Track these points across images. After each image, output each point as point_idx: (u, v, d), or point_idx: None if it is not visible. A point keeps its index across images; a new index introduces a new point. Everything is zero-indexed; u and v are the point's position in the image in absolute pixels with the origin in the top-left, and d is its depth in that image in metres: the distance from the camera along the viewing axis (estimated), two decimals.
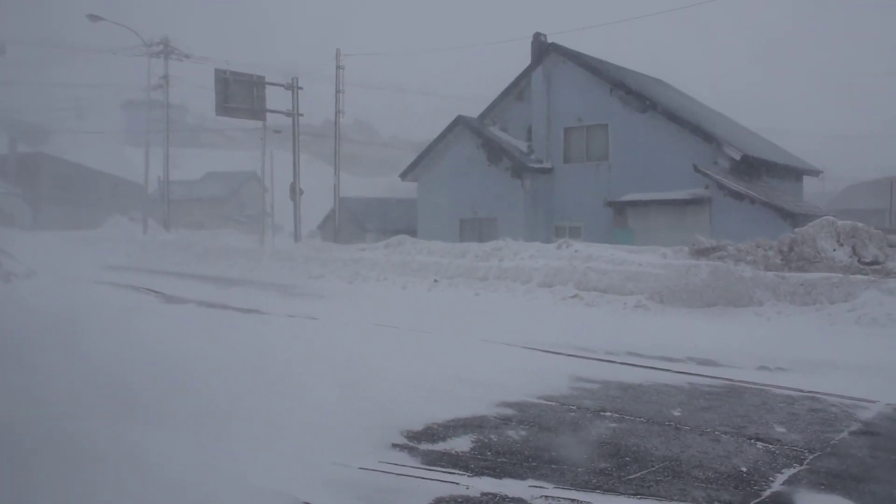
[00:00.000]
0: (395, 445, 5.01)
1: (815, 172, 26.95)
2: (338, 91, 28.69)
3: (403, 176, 27.54)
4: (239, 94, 26.03)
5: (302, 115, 28.35)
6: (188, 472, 4.26)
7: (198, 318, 11.62)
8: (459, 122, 25.27)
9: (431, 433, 5.31)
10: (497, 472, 4.49)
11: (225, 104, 25.88)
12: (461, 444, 5.08)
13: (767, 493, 4.18)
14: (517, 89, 25.21)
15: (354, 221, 31.74)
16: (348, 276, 18.07)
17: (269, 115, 28.78)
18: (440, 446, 5.03)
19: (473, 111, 26.31)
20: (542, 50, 24.44)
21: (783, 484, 4.32)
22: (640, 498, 4.09)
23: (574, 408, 6.10)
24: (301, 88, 28.21)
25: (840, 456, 4.87)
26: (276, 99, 28.23)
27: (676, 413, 5.95)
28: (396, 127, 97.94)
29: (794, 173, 25.22)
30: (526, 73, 24.79)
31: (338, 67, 28.62)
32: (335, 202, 29.54)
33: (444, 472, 4.51)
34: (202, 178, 67.75)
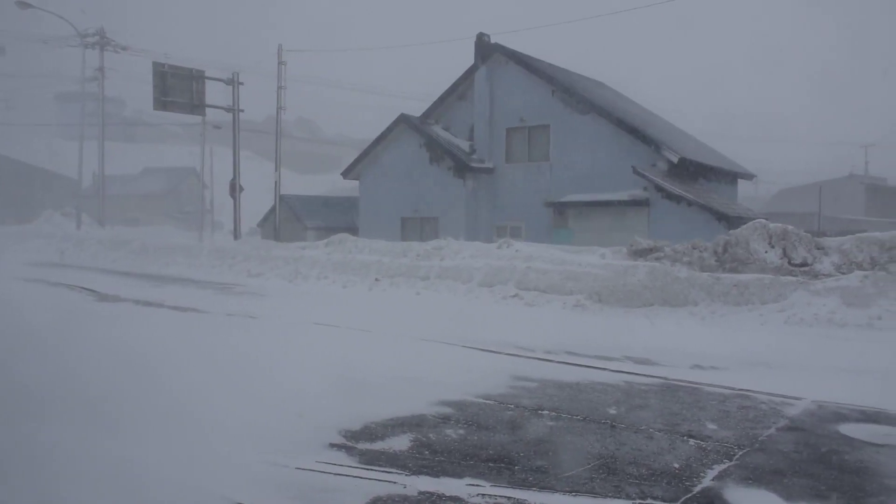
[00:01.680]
0: (332, 445, 4.98)
1: (749, 176, 27.66)
2: (280, 87, 28.35)
3: (345, 174, 27.40)
4: (178, 88, 25.52)
5: (243, 110, 27.94)
6: (119, 473, 4.17)
7: (133, 316, 11.38)
8: (402, 120, 25.23)
9: (370, 432, 5.30)
10: (435, 471, 4.50)
11: (163, 98, 25.35)
12: (399, 442, 5.07)
13: (698, 488, 4.27)
14: (460, 89, 25.29)
15: (295, 219, 31.38)
16: (289, 275, 17.90)
17: (209, 110, 28.28)
18: (378, 445, 5.01)
19: (417, 110, 26.34)
20: (486, 50, 24.56)
21: (713, 479, 4.42)
22: (575, 495, 4.14)
23: (512, 406, 6.14)
24: (242, 84, 27.78)
25: (767, 451, 5.01)
26: (216, 94, 27.82)
27: (612, 411, 6.04)
28: (339, 125, 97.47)
29: (729, 177, 25.84)
30: (469, 73, 24.88)
31: (280, 63, 28.28)
32: (276, 199, 29.19)
33: (382, 471, 4.49)
34: (139, 174, 66.34)
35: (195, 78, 26.23)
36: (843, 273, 12.47)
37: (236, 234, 27.99)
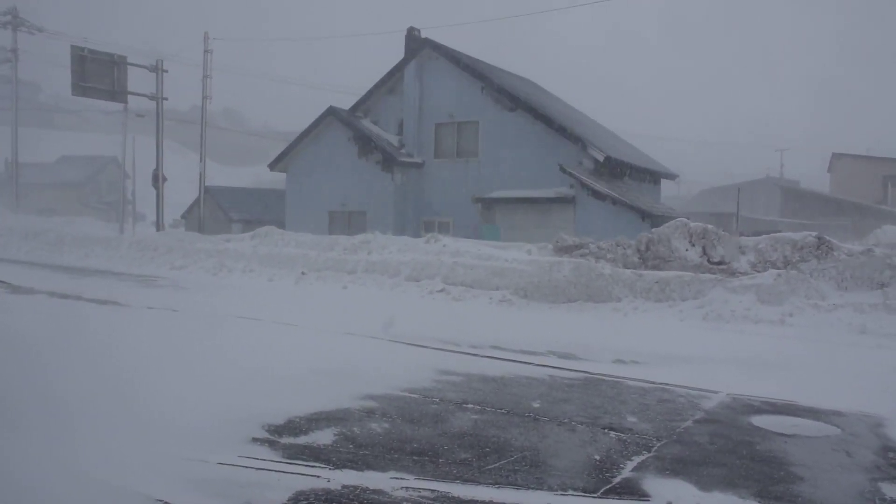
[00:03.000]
0: (255, 440, 4.90)
1: (672, 176, 28.36)
2: (205, 76, 27.79)
3: (272, 166, 26.99)
4: (97, 73, 24.73)
5: (166, 99, 27.27)
6: (36, 472, 4.02)
7: (48, 309, 10.99)
8: (330, 113, 25.00)
9: (293, 426, 5.23)
10: (359, 465, 4.47)
11: (82, 83, 24.53)
12: (323, 437, 5.03)
13: (618, 479, 4.36)
14: (390, 83, 25.19)
15: (220, 211, 30.80)
16: (213, 268, 17.57)
17: (131, 97, 27.54)
18: (302, 440, 4.96)
19: (346, 103, 26.15)
20: (416, 45, 24.53)
21: (632, 470, 4.52)
22: (498, 487, 4.17)
23: (437, 400, 6.16)
24: (166, 71, 27.14)
25: (684, 443, 5.15)
26: (138, 81, 27.05)
27: (536, 405, 6.11)
28: (267, 115, 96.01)
29: (653, 176, 26.45)
30: (399, 68, 24.80)
31: (205, 51, 27.72)
32: (200, 191, 28.61)
33: (306, 465, 4.45)
34: (56, 162, 63.93)
35: (116, 63, 25.47)
36: (759, 271, 12.90)
37: (159, 225, 27.34)
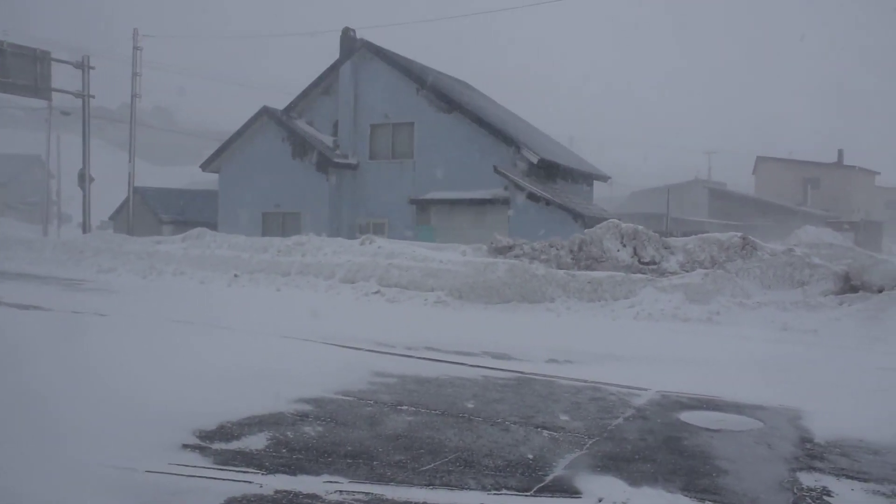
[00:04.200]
0: (185, 446, 4.81)
1: (604, 178, 28.86)
2: (135, 73, 27.17)
3: (205, 166, 26.54)
4: (19, 68, 23.91)
5: (93, 96, 26.57)
6: None
7: None
8: (264, 113, 24.72)
9: (225, 432, 5.16)
10: (292, 469, 4.44)
11: (2, 79, 23.68)
12: (256, 441, 4.97)
13: (550, 477, 4.42)
14: (325, 83, 25.03)
15: (151, 213, 30.12)
16: (142, 270, 17.18)
17: (56, 94, 26.70)
18: (234, 445, 4.89)
19: (281, 103, 25.87)
20: (351, 45, 24.43)
21: (565, 468, 4.59)
22: (432, 488, 4.19)
23: (371, 402, 6.15)
24: (93, 68, 26.43)
25: (615, 440, 5.25)
26: (64, 77, 26.30)
27: (470, 405, 6.15)
28: (199, 115, 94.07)
29: (586, 178, 26.88)
30: (334, 68, 24.67)
31: (135, 48, 27.10)
32: (129, 191, 27.96)
33: (238, 471, 4.39)
34: None
35: (39, 59, 24.67)
36: (687, 271, 13.24)
37: (86, 227, 26.63)
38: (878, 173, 53.74)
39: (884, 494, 4.29)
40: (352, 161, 23.94)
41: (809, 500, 4.14)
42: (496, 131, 21.93)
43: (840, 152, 51.05)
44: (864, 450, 5.16)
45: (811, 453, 5.05)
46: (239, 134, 25.26)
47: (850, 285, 12.41)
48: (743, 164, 58.00)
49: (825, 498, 4.19)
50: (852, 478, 4.55)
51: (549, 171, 22.79)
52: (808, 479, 4.49)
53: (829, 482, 4.45)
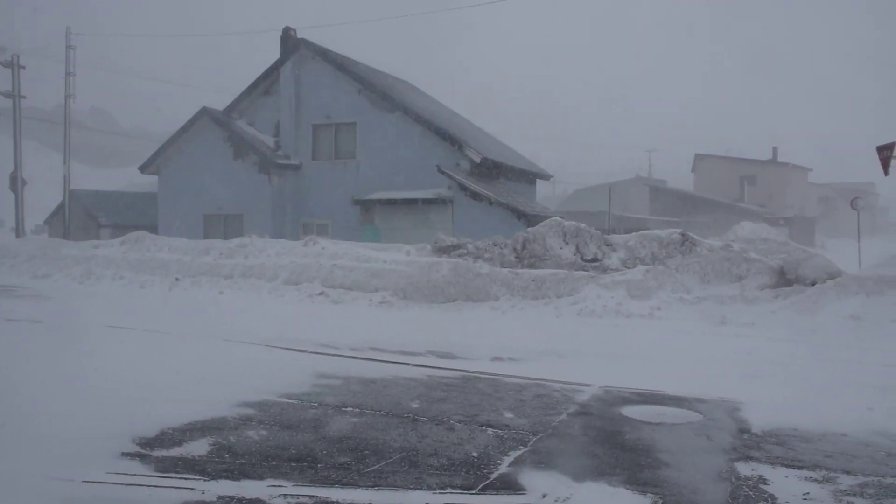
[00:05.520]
0: (125, 454, 4.71)
1: (546, 176, 29.12)
2: (68, 73, 26.46)
3: (143, 168, 25.94)
4: None
5: (24, 97, 25.81)
6: None
7: None
8: (204, 114, 24.30)
9: (166, 438, 5.06)
10: (235, 474, 4.38)
11: None
12: (198, 447, 4.89)
13: (495, 474, 4.44)
14: (265, 83, 24.73)
15: (88, 216, 29.34)
16: (80, 276, 16.74)
17: None
18: (175, 451, 4.80)
19: (221, 103, 25.48)
20: (292, 45, 24.18)
21: (509, 465, 4.62)
22: (377, 489, 4.18)
23: (316, 405, 6.10)
24: (23, 67, 25.68)
25: (559, 436, 5.31)
26: None
27: (415, 405, 6.15)
28: (138, 116, 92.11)
29: (528, 176, 27.07)
30: (274, 68, 24.39)
31: (68, 47, 26.38)
32: (65, 195, 27.19)
33: (179, 478, 4.31)
34: None
35: None
36: (629, 268, 13.44)
37: (19, 231, 25.84)
38: (811, 170, 55.38)
39: (815, 480, 4.42)
40: (294, 162, 23.71)
41: (746, 489, 4.23)
42: (439, 131, 21.95)
43: (775, 150, 52.46)
44: (798, 438, 5.31)
45: (748, 443, 5.17)
46: (179, 135, 24.80)
47: (784, 279, 12.76)
48: (682, 161, 59.15)
49: (761, 486, 4.29)
50: (787, 465, 4.68)
51: (492, 170, 22.90)
52: (745, 469, 4.60)
53: (765, 471, 4.57)
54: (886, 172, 13.31)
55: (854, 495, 4.18)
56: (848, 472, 4.57)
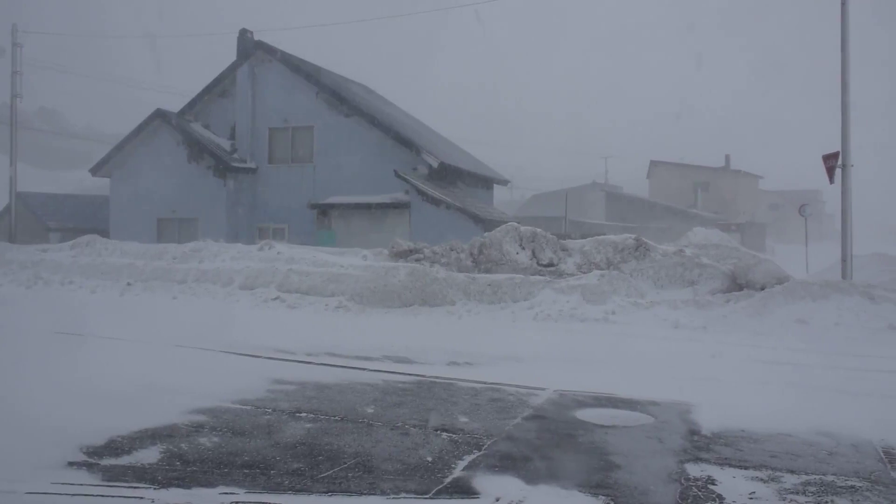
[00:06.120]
0: (71, 464, 4.62)
1: (504, 181, 29.29)
2: (14, 72, 25.90)
3: (95, 171, 25.48)
4: None
5: None
6: None
7: None
8: (158, 116, 23.96)
9: (115, 447, 4.98)
10: (186, 482, 4.33)
11: None
12: (148, 455, 4.82)
13: (449, 479, 4.46)
14: (221, 86, 24.49)
15: (35, 220, 28.71)
16: (27, 280, 16.35)
17: None
18: (125, 460, 4.73)
19: (176, 105, 25.15)
20: (249, 47, 23.98)
21: (464, 469, 4.64)
22: (330, 495, 4.17)
23: (270, 410, 6.06)
24: None
25: (513, 439, 5.34)
26: None
27: (370, 410, 6.14)
28: (89, 117, 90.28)
29: (486, 181, 27.20)
30: (231, 70, 24.16)
31: (14, 45, 25.84)
32: (11, 197, 26.58)
33: (128, 487, 4.25)
34: None
35: None
36: (584, 272, 13.59)
37: None
38: (762, 177, 56.53)
39: (761, 480, 4.52)
40: (250, 165, 23.51)
41: (695, 490, 4.31)
42: (397, 135, 21.96)
43: (727, 157, 53.45)
44: (745, 439, 5.43)
45: (698, 445, 5.27)
46: (132, 137, 24.40)
47: (735, 284, 13.01)
48: (638, 168, 59.89)
49: (710, 487, 4.38)
50: (734, 466, 4.78)
51: (449, 174, 22.97)
52: (694, 470, 4.68)
53: (714, 471, 4.66)
54: (832, 181, 13.65)
55: (797, 493, 4.29)
56: (792, 472, 4.69)
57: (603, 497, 4.18)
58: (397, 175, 21.05)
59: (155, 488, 4.24)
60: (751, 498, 4.21)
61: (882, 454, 5.12)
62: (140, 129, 24.23)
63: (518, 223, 15.56)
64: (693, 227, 34.25)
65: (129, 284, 15.30)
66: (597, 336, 10.63)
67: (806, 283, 11.99)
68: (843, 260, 13.61)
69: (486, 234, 15.14)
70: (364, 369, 7.95)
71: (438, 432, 5.50)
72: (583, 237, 17.18)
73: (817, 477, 4.59)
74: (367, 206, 21.57)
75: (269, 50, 23.82)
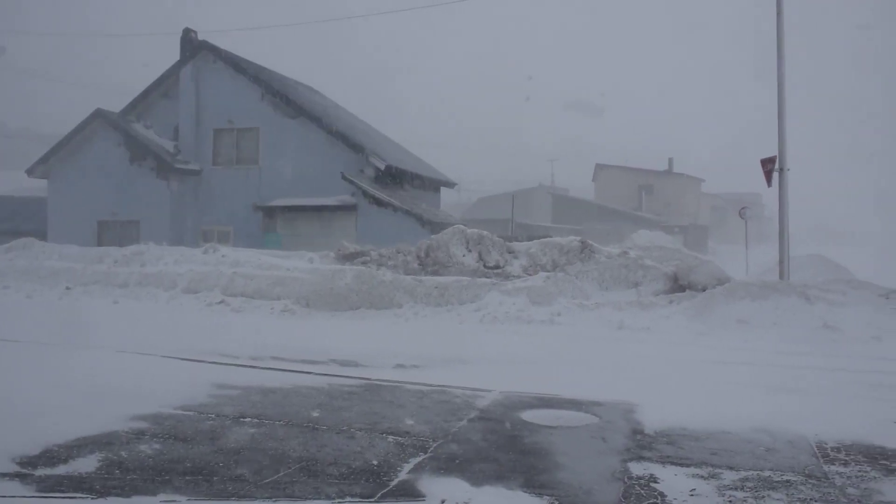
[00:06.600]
0: (3, 475, 4.47)
1: (451, 184, 29.36)
2: None
3: (31, 172, 24.81)
4: None
5: None
6: None
7: None
8: (99, 115, 23.47)
9: (51, 456, 4.84)
10: (126, 491, 4.23)
11: None
12: (86, 464, 4.70)
13: (395, 482, 4.45)
14: (164, 86, 24.10)
15: None
16: None
17: None
18: (61, 470, 4.60)
19: (117, 105, 24.63)
20: (193, 47, 23.65)
21: (409, 472, 4.63)
22: (274, 500, 4.12)
23: (213, 416, 5.96)
24: None
25: (459, 441, 5.35)
26: None
27: (315, 414, 6.09)
28: (25, 116, 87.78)
29: (433, 184, 27.24)
30: (174, 70, 23.79)
31: None
32: None
33: (64, 497, 4.13)
34: None
35: None
36: (530, 274, 13.70)
37: None
38: (704, 180, 57.71)
39: (702, 477, 4.61)
40: (194, 167, 23.15)
41: (638, 488, 4.38)
42: (343, 137, 21.87)
43: (670, 161, 54.44)
44: (687, 437, 5.53)
45: (641, 444, 5.35)
46: (70, 137, 23.84)
47: (678, 285, 13.26)
48: (584, 171, 60.64)
49: (652, 485, 4.45)
50: (676, 464, 4.86)
51: (396, 177, 22.94)
52: (637, 469, 4.75)
53: (656, 469, 4.74)
54: (769, 184, 13.99)
55: (735, 489, 4.38)
56: (731, 468, 4.79)
57: (547, 497, 4.21)
58: (344, 177, 20.96)
59: (92, 498, 4.13)
60: (691, 495, 4.28)
61: (816, 449, 5.27)
62: (79, 128, 23.69)
63: (465, 225, 15.62)
64: (638, 229, 34.89)
65: (67, 289, 14.93)
66: (543, 337, 10.72)
67: (746, 284, 12.27)
68: (781, 261, 13.96)
69: (433, 236, 15.17)
70: (310, 373, 7.88)
71: (384, 435, 5.48)
72: (529, 239, 17.31)
73: (755, 473, 4.70)
74: (314, 209, 21.42)
75: (214, 50, 23.52)
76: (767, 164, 14.00)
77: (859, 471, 4.81)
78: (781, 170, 13.90)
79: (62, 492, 4.22)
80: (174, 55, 24.03)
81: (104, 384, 6.96)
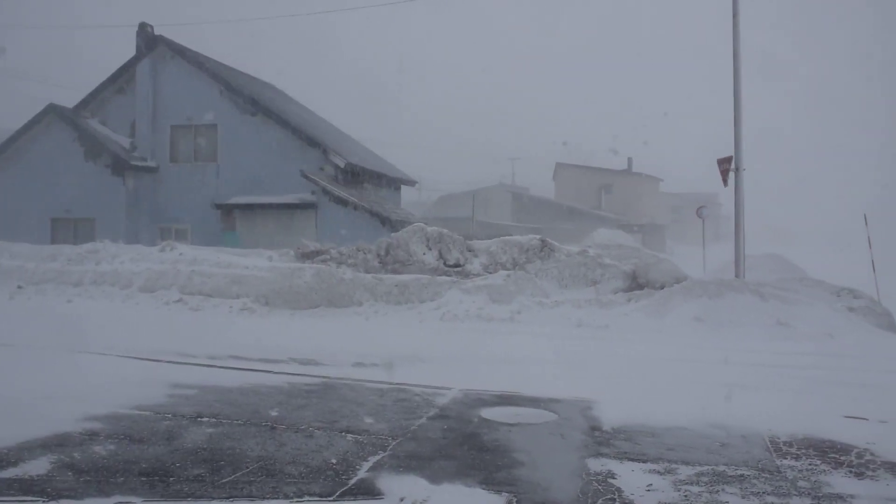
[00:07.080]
0: None
1: (411, 182, 29.35)
2: None
3: None
4: None
5: None
6: None
7: None
8: (51, 110, 23.00)
9: (0, 459, 4.74)
10: (79, 493, 4.15)
11: None
12: (37, 466, 4.60)
13: (354, 480, 4.43)
14: (120, 81, 23.70)
15: None
16: None
17: None
18: (10, 472, 4.49)
19: (70, 100, 24.16)
20: (149, 42, 23.28)
21: (368, 470, 4.62)
22: (231, 500, 4.08)
23: (169, 416, 5.88)
24: None
25: (418, 439, 5.35)
26: None
27: (274, 413, 6.05)
28: None
29: (393, 182, 27.19)
30: (130, 65, 23.42)
31: None
32: None
33: (14, 500, 4.04)
34: None
35: None
36: (490, 272, 13.75)
37: None
38: (662, 180, 58.43)
39: (658, 472, 4.67)
40: (151, 164, 22.82)
41: (595, 484, 4.42)
42: (303, 135, 21.72)
43: (630, 160, 55.02)
44: (644, 433, 5.60)
45: (599, 440, 5.40)
46: (22, 132, 23.32)
47: (636, 283, 13.41)
48: (544, 170, 60.98)
49: (609, 480, 4.49)
50: (633, 460, 4.92)
51: (356, 175, 22.86)
52: (595, 465, 4.80)
53: (614, 465, 4.79)
54: (725, 183, 14.20)
55: (691, 484, 4.45)
56: (686, 463, 4.86)
57: (506, 494, 4.23)
58: (304, 175, 20.83)
59: (44, 500, 4.05)
60: (648, 490, 4.34)
61: (769, 444, 5.38)
62: (31, 124, 23.19)
63: (425, 224, 15.62)
64: (598, 227, 35.21)
65: (19, 288, 14.62)
66: (502, 336, 10.76)
67: (702, 283, 12.46)
68: (737, 260, 14.19)
69: (393, 234, 15.14)
70: (269, 372, 7.83)
71: (343, 434, 5.46)
72: (489, 238, 17.37)
73: (710, 467, 4.78)
74: (274, 207, 21.25)
75: (171, 45, 23.20)
76: (724, 164, 14.21)
77: (810, 464, 4.91)
78: (737, 170, 14.12)
79: (11, 495, 4.12)
80: (130, 50, 23.67)
81: (57, 385, 6.82)
